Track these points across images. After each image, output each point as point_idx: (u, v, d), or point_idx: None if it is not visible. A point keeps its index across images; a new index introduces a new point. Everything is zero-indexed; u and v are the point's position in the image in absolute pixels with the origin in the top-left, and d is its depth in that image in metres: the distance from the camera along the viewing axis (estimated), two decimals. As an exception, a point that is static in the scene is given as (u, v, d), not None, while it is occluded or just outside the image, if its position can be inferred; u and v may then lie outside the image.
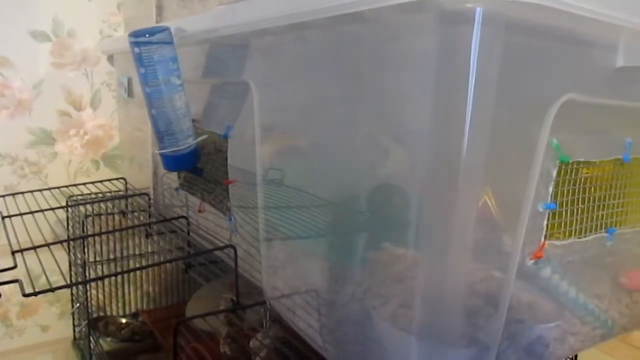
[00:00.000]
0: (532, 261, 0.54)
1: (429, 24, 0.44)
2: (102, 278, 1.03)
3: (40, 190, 1.19)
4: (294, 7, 0.57)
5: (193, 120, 0.90)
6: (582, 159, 0.55)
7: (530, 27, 0.46)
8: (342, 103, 0.60)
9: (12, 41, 1.28)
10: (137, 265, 1.31)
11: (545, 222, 0.54)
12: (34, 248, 0.77)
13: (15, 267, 0.70)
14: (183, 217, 0.91)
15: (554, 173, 0.53)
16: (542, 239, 0.54)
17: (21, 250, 0.77)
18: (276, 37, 0.72)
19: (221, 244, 0.86)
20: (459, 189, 0.46)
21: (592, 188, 0.58)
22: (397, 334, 0.52)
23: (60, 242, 0.90)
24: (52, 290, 0.65)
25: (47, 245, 0.80)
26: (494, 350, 0.53)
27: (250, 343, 0.82)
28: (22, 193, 1.17)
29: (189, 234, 0.91)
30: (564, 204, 0.56)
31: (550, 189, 0.53)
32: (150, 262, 1.22)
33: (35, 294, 0.64)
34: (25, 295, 0.64)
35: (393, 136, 0.52)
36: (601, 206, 0.60)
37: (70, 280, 1.26)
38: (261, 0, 0.66)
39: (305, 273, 0.72)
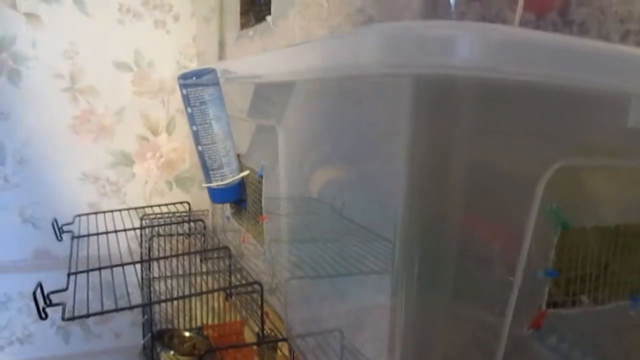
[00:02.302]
0: (531, 330, 0.52)
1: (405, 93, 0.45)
2: (155, 303, 1.10)
3: (119, 210, 1.30)
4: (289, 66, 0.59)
5: (238, 155, 0.95)
6: (591, 224, 0.52)
7: (520, 88, 0.45)
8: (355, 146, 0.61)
9: (98, 71, 1.41)
10: (201, 282, 1.39)
11: (546, 290, 0.52)
12: (90, 271, 0.84)
13: (66, 289, 0.78)
14: (226, 247, 0.96)
15: (555, 239, 0.50)
16: (543, 306, 0.52)
17: (76, 273, 0.85)
18: (295, 87, 0.74)
19: (261, 274, 0.90)
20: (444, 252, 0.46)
21: (609, 252, 0.55)
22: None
23: (120, 265, 0.98)
24: (88, 316, 0.72)
25: (100, 269, 0.88)
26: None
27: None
28: (103, 212, 1.28)
29: (230, 264, 0.96)
30: (572, 269, 0.53)
31: (552, 255, 0.51)
32: (209, 280, 1.29)
33: (72, 318, 0.71)
34: (64, 319, 0.71)
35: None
36: (622, 271, 0.56)
37: (142, 296, 1.36)
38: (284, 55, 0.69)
39: (328, 311, 0.73)
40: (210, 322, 1.53)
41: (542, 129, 0.47)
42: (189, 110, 0.90)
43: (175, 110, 1.48)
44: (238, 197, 0.96)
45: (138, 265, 1.32)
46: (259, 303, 0.82)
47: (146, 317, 1.41)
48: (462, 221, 0.45)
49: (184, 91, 0.89)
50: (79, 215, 1.25)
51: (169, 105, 1.48)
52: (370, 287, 0.62)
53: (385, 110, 0.50)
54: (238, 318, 1.42)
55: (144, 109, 1.46)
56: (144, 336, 1.47)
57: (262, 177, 0.86)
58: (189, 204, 1.39)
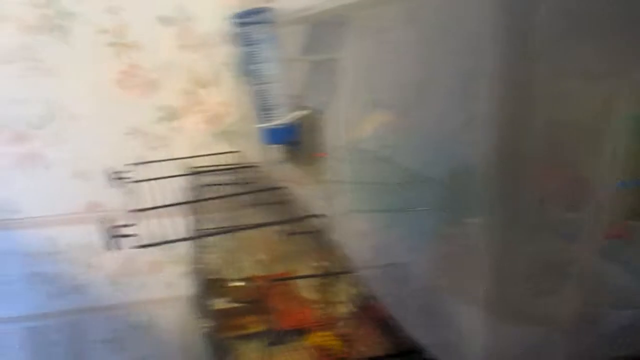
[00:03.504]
0: (610, 240, 0.51)
1: None
2: (210, 235, 1.12)
3: (165, 160, 1.31)
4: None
5: (292, 96, 0.95)
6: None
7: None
8: (434, 81, 0.60)
9: (141, 27, 1.41)
10: (252, 234, 1.40)
11: (626, 201, 0.50)
12: (152, 209, 0.86)
13: (134, 224, 0.80)
14: (284, 187, 0.97)
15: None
16: (623, 218, 0.51)
17: (144, 210, 0.87)
18: (368, 12, 0.73)
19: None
20: (528, 161, 0.45)
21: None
22: (465, 309, 0.53)
23: (178, 204, 1.00)
24: (161, 244, 0.74)
25: (167, 206, 0.90)
26: (569, 333, 0.51)
27: (337, 309, 0.85)
28: (150, 162, 1.30)
29: (289, 204, 0.96)
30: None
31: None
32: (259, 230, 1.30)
33: (146, 245, 0.73)
34: (140, 246, 0.73)
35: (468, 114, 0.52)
36: None
37: (190, 243, 1.39)
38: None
39: (388, 246, 0.74)
40: (257, 274, 1.56)
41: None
42: (245, 49, 0.90)
43: (220, 63, 1.48)
44: (293, 138, 0.96)
45: (185, 216, 1.34)
46: (318, 238, 0.82)
47: (196, 266, 1.43)
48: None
49: (240, 29, 0.88)
50: (131, 165, 1.27)
51: (214, 59, 1.48)
52: (436, 220, 0.62)
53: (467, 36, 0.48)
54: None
55: (189, 63, 1.47)
56: (193, 286, 1.50)
57: (322, 113, 0.86)
58: (239, 153, 1.40)
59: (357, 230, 0.79)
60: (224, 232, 1.00)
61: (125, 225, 0.81)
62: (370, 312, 0.87)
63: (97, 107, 1.41)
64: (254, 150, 1.34)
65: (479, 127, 0.48)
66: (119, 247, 0.77)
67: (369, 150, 0.77)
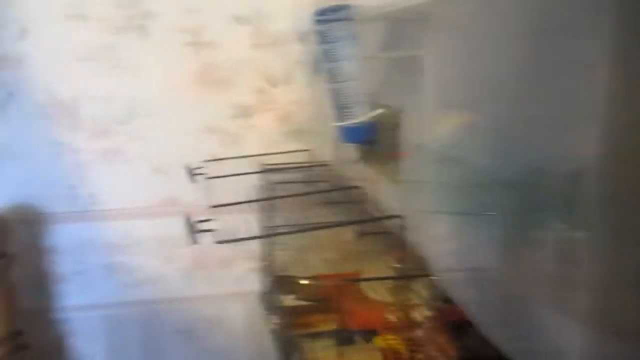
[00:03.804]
0: None
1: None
2: (287, 233, 1.13)
3: (238, 158, 1.33)
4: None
5: (370, 94, 0.94)
6: None
7: None
8: (525, 78, 0.57)
9: (218, 26, 1.44)
10: (320, 233, 1.40)
11: None
12: (230, 205, 0.87)
13: (212, 220, 0.82)
14: (357, 187, 0.96)
15: None
16: None
17: (219, 206, 0.88)
18: (456, 8, 0.71)
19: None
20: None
21: None
22: (561, 320, 0.50)
23: (254, 201, 1.01)
24: (239, 240, 0.74)
25: (244, 203, 0.91)
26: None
27: (416, 314, 0.83)
28: (223, 159, 1.33)
29: (363, 204, 0.95)
30: None
31: None
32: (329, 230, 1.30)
33: (225, 241, 0.74)
34: (218, 242, 0.74)
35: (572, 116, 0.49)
36: None
37: (260, 241, 1.40)
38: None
39: (471, 250, 0.71)
40: (324, 272, 1.56)
41: None
42: (325, 46, 0.89)
43: (293, 62, 1.49)
44: (370, 137, 0.94)
45: (257, 213, 1.36)
46: (394, 238, 0.81)
47: (266, 262, 1.45)
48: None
49: (320, 27, 0.88)
50: (205, 161, 1.29)
51: (287, 57, 1.49)
52: (533, 225, 0.59)
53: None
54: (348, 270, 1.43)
55: (262, 61, 1.49)
56: (262, 282, 1.52)
57: (401, 112, 0.84)
58: (310, 151, 1.40)
59: (437, 232, 0.77)
60: (300, 231, 1.00)
61: (204, 221, 0.82)
62: (445, 316, 0.84)
63: (174, 104, 1.46)
64: (325, 149, 1.33)
65: (589, 129, 0.45)
66: (199, 242, 0.79)
67: (450, 151, 0.75)
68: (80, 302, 1.51)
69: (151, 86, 1.44)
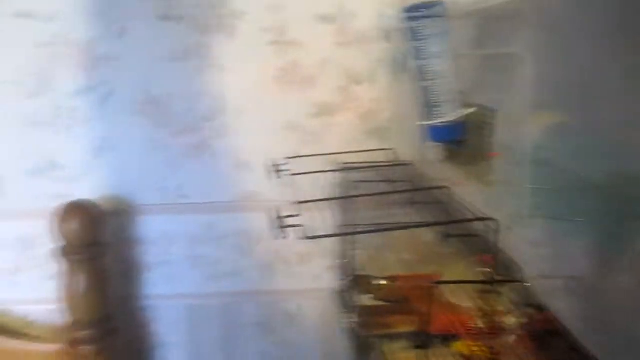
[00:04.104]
0: None
1: None
2: (368, 232, 1.13)
3: (319, 155, 1.34)
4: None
5: (461, 93, 0.91)
6: None
7: None
8: (629, 78, 0.54)
9: (302, 25, 1.46)
10: (399, 233, 1.39)
11: None
12: (315, 201, 0.88)
13: (298, 215, 0.82)
14: (444, 187, 0.94)
15: None
16: None
17: (304, 202, 0.89)
18: (552, 3, 0.68)
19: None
20: None
21: None
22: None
23: (339, 198, 1.01)
24: (326, 236, 0.75)
25: (327, 200, 0.91)
26: None
27: (504, 320, 0.81)
28: (305, 156, 1.34)
29: (447, 205, 0.93)
30: None
31: None
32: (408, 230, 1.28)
33: (313, 237, 0.75)
34: (305, 238, 0.75)
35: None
36: None
37: (338, 239, 1.41)
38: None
39: (569, 257, 0.68)
40: (402, 273, 1.54)
41: None
42: (415, 44, 0.88)
43: (376, 60, 1.48)
44: (459, 136, 0.92)
45: (336, 211, 1.36)
46: (480, 242, 0.78)
47: (344, 260, 1.45)
48: None
49: (410, 24, 0.87)
50: (287, 158, 1.31)
51: (370, 55, 1.48)
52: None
53: None
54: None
55: (345, 59, 1.49)
56: (339, 280, 1.52)
57: (494, 111, 0.82)
58: (392, 151, 1.39)
59: (529, 237, 0.74)
60: (384, 230, 0.99)
61: (290, 216, 0.83)
62: (534, 325, 0.81)
63: (258, 102, 1.49)
64: (407, 148, 1.32)
65: None
66: (285, 237, 0.80)
67: (545, 153, 0.71)
68: (164, 291, 1.58)
69: (236, 84, 1.48)
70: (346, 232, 0.85)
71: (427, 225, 0.89)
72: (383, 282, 1.45)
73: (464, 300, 0.97)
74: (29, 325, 1.57)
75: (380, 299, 1.40)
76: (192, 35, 1.44)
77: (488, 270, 0.79)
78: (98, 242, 1.38)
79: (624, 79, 0.54)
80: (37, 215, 1.46)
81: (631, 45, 0.53)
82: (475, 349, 0.95)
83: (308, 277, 1.58)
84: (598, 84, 0.60)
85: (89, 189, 1.49)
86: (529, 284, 0.73)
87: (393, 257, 1.52)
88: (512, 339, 0.82)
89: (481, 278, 0.82)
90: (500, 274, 0.79)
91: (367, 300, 1.40)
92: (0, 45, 1.42)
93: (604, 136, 0.60)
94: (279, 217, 0.78)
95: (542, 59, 0.71)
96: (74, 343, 1.39)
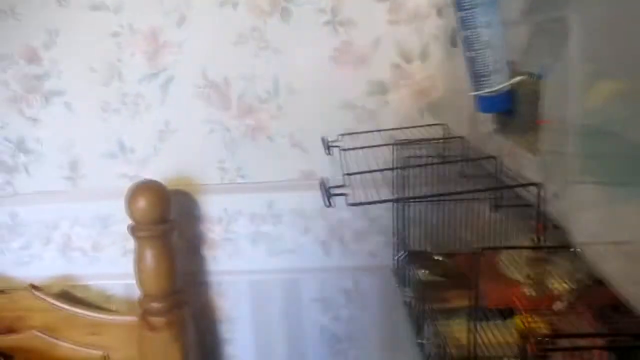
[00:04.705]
0: None
1: None
2: (416, 199, 1.14)
3: (372, 132, 1.36)
4: None
5: (509, 62, 0.90)
6: None
7: None
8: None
9: (355, 3, 1.47)
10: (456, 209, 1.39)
11: None
12: (362, 172, 0.90)
13: (344, 185, 0.85)
14: (492, 157, 0.93)
15: None
16: None
17: (352, 174, 0.92)
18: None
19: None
20: None
21: None
22: None
23: (389, 169, 1.03)
24: (372, 203, 0.77)
25: (374, 171, 0.93)
26: None
27: (552, 286, 0.80)
28: (358, 133, 1.36)
29: (498, 176, 0.93)
30: None
31: None
32: (463, 205, 1.28)
33: (358, 204, 0.77)
34: (349, 204, 0.78)
35: None
36: None
37: (393, 215, 1.43)
38: None
39: (622, 221, 0.67)
40: (458, 250, 1.53)
41: None
42: (461, 14, 0.88)
43: (429, 37, 1.48)
44: (508, 106, 0.91)
45: (390, 187, 1.38)
46: (533, 210, 0.78)
47: (399, 238, 1.47)
48: None
49: (457, -6, 0.87)
50: (343, 134, 1.34)
51: (424, 32, 1.48)
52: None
53: None
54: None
55: (399, 37, 1.49)
56: (394, 256, 1.54)
57: (540, 78, 0.81)
58: (446, 125, 1.39)
59: (582, 203, 0.73)
60: (431, 198, 0.99)
61: (339, 186, 0.86)
62: (593, 294, 0.80)
63: (314, 82, 1.52)
64: (460, 123, 1.31)
65: None
66: (333, 205, 0.83)
67: (600, 121, 0.70)
68: (229, 267, 1.65)
69: (292, 66, 1.52)
70: (389, 199, 0.87)
71: (469, 192, 0.89)
72: (438, 257, 1.46)
73: (522, 274, 0.97)
74: (108, 299, 1.69)
75: (436, 275, 1.41)
76: (248, 19, 1.49)
77: (539, 239, 0.79)
78: (164, 220, 1.47)
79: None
80: (112, 195, 1.58)
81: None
82: (534, 321, 0.94)
83: (364, 254, 1.61)
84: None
85: (155, 170, 1.58)
86: (578, 249, 0.72)
87: (449, 235, 1.52)
88: (564, 306, 0.81)
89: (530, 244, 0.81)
90: (552, 242, 0.79)
91: (423, 275, 1.41)
92: (78, 35, 1.53)
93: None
94: (327, 187, 0.81)
95: (594, 24, 0.70)
96: (145, 315, 1.49)
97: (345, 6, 1.48)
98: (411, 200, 1.14)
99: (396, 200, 1.02)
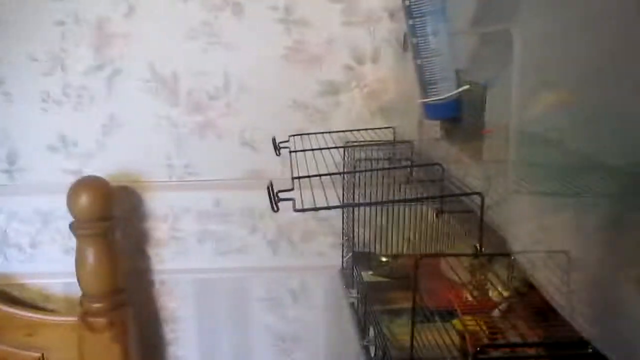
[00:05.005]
0: None
1: None
2: (361, 205, 1.15)
3: (322, 133, 1.36)
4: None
5: (456, 71, 0.92)
6: None
7: None
8: (623, 52, 0.54)
9: (310, 3, 1.46)
10: (402, 212, 1.41)
11: None
12: (311, 176, 0.90)
13: (292, 189, 0.84)
14: (437, 164, 0.95)
15: None
16: None
17: (300, 177, 0.91)
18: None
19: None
20: None
21: None
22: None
23: (337, 173, 1.03)
24: (317, 209, 0.77)
25: (323, 175, 0.93)
26: None
27: (491, 293, 0.82)
28: (309, 134, 1.36)
29: (443, 182, 0.95)
30: None
31: None
32: (410, 208, 1.30)
33: (303, 210, 0.77)
34: (295, 210, 0.77)
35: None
36: None
37: (343, 213, 1.43)
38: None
39: (556, 231, 0.69)
40: (404, 251, 1.56)
41: None
42: (410, 22, 0.89)
43: (381, 40, 1.49)
44: (454, 114, 0.93)
45: (339, 187, 1.38)
46: (474, 218, 0.80)
47: (346, 238, 1.47)
48: None
49: (407, 1, 0.87)
50: (292, 135, 1.33)
51: (376, 35, 1.49)
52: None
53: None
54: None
55: (351, 39, 1.49)
56: (342, 257, 1.55)
57: (485, 87, 0.82)
58: (393, 129, 1.40)
59: (519, 212, 0.75)
60: (378, 204, 1.00)
61: (286, 190, 0.85)
62: (527, 299, 0.82)
63: (265, 80, 1.50)
64: (409, 127, 1.33)
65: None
66: (278, 209, 0.82)
67: (541, 131, 0.72)
68: (174, 266, 1.62)
69: (243, 63, 1.50)
70: (335, 206, 0.87)
71: (413, 200, 0.90)
72: (384, 259, 1.47)
73: (463, 276, 0.99)
74: (47, 298, 1.63)
75: (383, 276, 1.43)
76: (199, 13, 1.46)
77: (478, 245, 0.80)
78: (107, 217, 1.42)
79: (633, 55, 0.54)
80: (53, 191, 1.51)
81: (633, 22, 0.53)
82: (472, 324, 0.97)
83: (312, 254, 1.61)
84: (594, 61, 0.60)
85: (99, 165, 1.53)
86: (515, 258, 0.74)
87: (396, 236, 1.54)
88: (502, 310, 0.83)
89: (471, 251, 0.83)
90: (491, 248, 0.81)
91: (369, 276, 1.43)
92: (20, 22, 1.45)
93: (589, 113, 0.61)
94: (275, 191, 0.80)
95: (541, 35, 0.72)
96: (86, 315, 1.44)
97: (299, 5, 1.47)
98: (357, 205, 1.15)
99: (342, 207, 1.03)
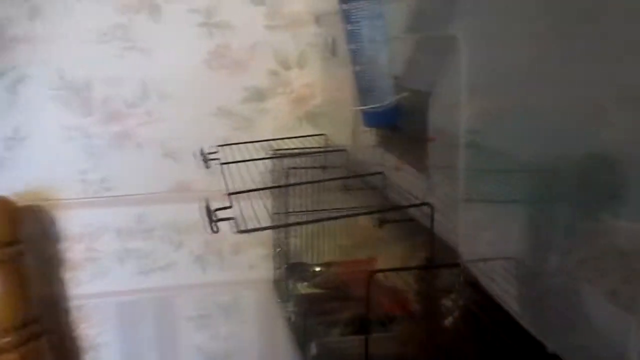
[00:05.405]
0: None
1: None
2: (302, 224, 1.11)
3: (251, 142, 1.30)
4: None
5: (395, 78, 0.90)
6: None
7: None
8: (564, 60, 0.54)
9: (231, 6, 1.40)
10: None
11: None
12: (248, 191, 0.85)
13: (231, 207, 0.79)
14: (379, 173, 0.93)
15: None
16: None
17: (235, 193, 0.86)
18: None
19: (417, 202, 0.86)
20: None
21: None
22: (615, 312, 0.47)
23: (271, 187, 0.98)
24: (261, 229, 0.72)
25: (258, 190, 0.88)
26: None
27: (442, 303, 0.81)
28: (236, 144, 1.29)
29: (381, 190, 0.93)
30: None
31: None
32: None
33: (246, 231, 0.71)
34: (238, 232, 0.72)
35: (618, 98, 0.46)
36: None
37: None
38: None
39: (505, 239, 0.69)
40: (337, 259, 1.54)
41: None
42: (349, 27, 0.86)
43: (306, 44, 1.46)
44: (393, 121, 0.91)
45: (270, 198, 1.33)
46: (417, 226, 0.78)
47: (279, 249, 1.43)
48: None
49: (345, 6, 0.84)
50: (217, 146, 1.27)
51: (301, 39, 1.45)
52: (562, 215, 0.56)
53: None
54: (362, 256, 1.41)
55: (276, 43, 1.45)
56: (275, 269, 1.50)
57: (429, 94, 0.81)
58: (325, 136, 1.37)
59: (467, 221, 0.74)
60: (319, 220, 0.97)
61: (223, 208, 0.80)
62: (472, 307, 0.82)
63: (186, 87, 1.43)
64: (341, 134, 1.30)
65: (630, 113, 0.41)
66: (217, 231, 0.76)
67: (482, 137, 0.72)
68: (93, 289, 1.49)
69: (162, 68, 1.41)
70: (280, 225, 0.82)
71: (363, 214, 0.87)
72: (318, 268, 1.44)
73: (402, 283, 0.98)
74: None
75: (316, 286, 1.39)
76: (111, 15, 1.35)
77: (424, 254, 0.79)
78: (14, 241, 1.29)
79: (567, 62, 0.54)
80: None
81: (567, 31, 0.53)
82: (415, 331, 0.96)
83: (243, 267, 1.55)
84: (533, 68, 0.60)
85: (4, 184, 1.37)
86: (464, 267, 0.73)
87: (329, 244, 1.52)
88: (449, 321, 0.82)
89: (417, 262, 0.82)
90: (437, 257, 0.80)
91: (303, 288, 1.39)
92: None
93: (535, 119, 0.61)
94: (210, 210, 0.74)
95: (477, 42, 0.71)
96: (-7, 350, 1.30)
97: (220, 8, 1.41)
98: (304, 223, 1.11)
99: (285, 226, 0.98)
